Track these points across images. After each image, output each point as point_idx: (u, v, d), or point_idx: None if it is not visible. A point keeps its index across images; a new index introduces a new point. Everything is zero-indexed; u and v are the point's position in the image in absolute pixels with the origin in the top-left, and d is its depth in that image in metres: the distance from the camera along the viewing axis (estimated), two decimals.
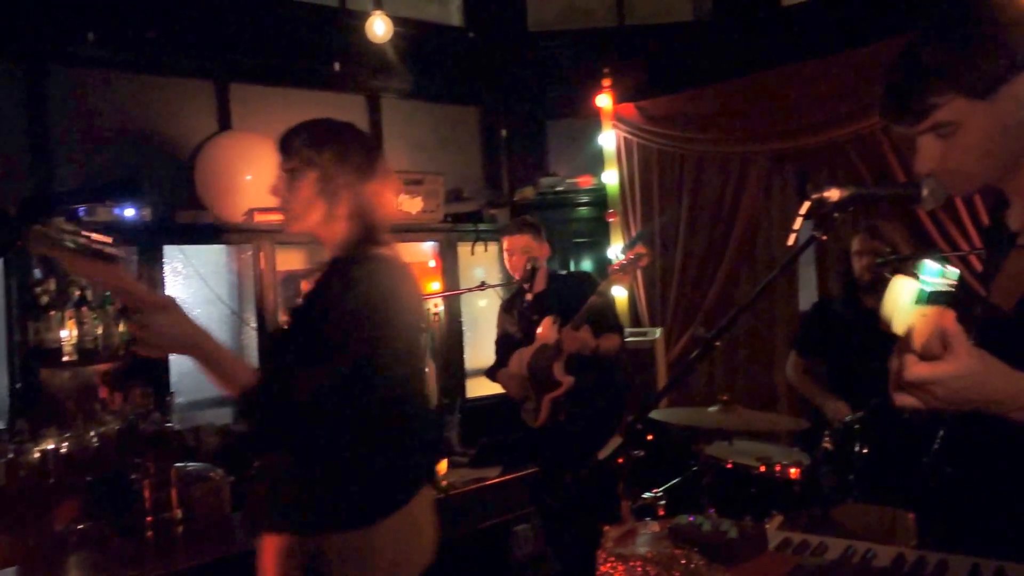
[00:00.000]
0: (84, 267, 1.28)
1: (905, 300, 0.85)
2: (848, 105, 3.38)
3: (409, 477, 1.56)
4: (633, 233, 4.15)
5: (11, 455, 2.23)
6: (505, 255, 3.05)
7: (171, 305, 1.34)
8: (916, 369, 0.89)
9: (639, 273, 4.08)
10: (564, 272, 3.21)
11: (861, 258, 2.75)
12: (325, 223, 1.56)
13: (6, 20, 3.14)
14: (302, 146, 1.55)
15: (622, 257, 2.90)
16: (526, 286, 2.92)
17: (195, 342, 1.35)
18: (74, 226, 1.23)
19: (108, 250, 1.24)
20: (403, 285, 1.53)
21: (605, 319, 2.94)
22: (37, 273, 2.82)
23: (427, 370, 1.80)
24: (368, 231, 1.54)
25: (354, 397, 1.45)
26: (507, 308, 3.12)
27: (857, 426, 2.46)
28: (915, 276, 0.85)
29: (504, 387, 3.13)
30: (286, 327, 1.62)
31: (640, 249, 2.86)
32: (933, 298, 0.86)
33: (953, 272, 0.86)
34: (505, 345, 3.14)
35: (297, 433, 1.44)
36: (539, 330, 2.95)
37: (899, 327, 0.87)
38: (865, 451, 2.41)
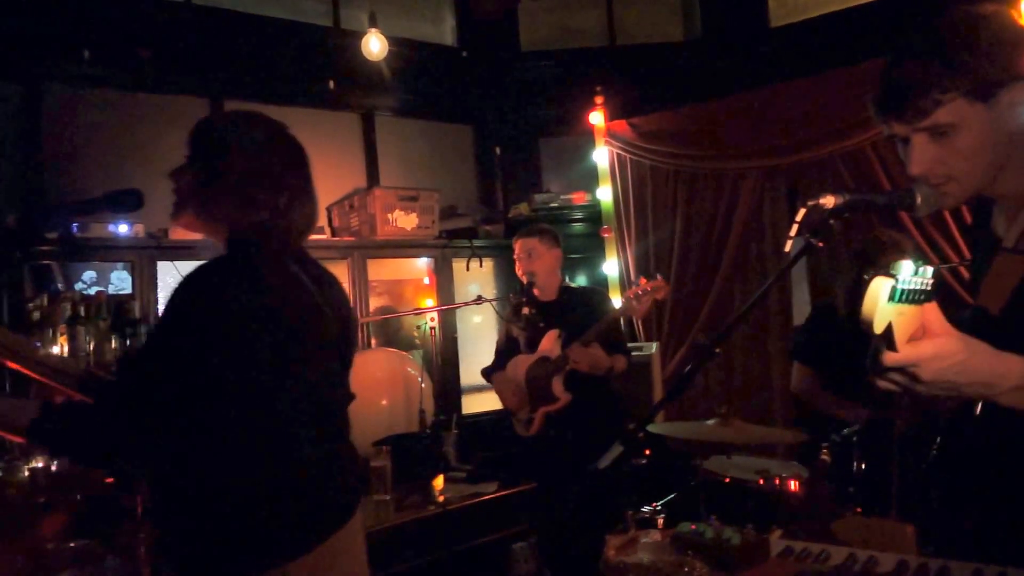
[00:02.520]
0: None
1: (883, 300, 0.86)
2: (836, 122, 3.44)
3: (318, 514, 1.37)
4: (629, 249, 4.17)
5: (0, 473, 2.19)
6: (515, 259, 3.05)
7: None
8: (897, 353, 0.89)
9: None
10: (577, 285, 3.18)
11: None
12: (204, 219, 1.43)
13: (2, 39, 3.15)
14: (204, 132, 1.45)
15: (638, 285, 2.84)
16: (523, 299, 2.92)
17: None
18: None
19: None
20: (293, 295, 1.36)
21: (613, 340, 2.90)
22: (29, 289, 2.80)
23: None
24: (245, 240, 1.38)
25: (200, 419, 1.27)
26: (515, 311, 3.08)
27: (855, 438, 2.46)
28: (891, 276, 0.86)
29: (497, 390, 3.10)
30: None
31: (658, 282, 2.82)
32: (908, 296, 0.87)
33: (927, 270, 0.87)
34: (507, 351, 3.11)
35: (118, 460, 1.33)
36: (543, 340, 2.94)
37: (878, 327, 0.88)
38: (863, 464, 2.40)
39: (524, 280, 2.98)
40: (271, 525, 1.31)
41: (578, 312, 2.92)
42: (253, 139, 1.42)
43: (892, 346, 0.88)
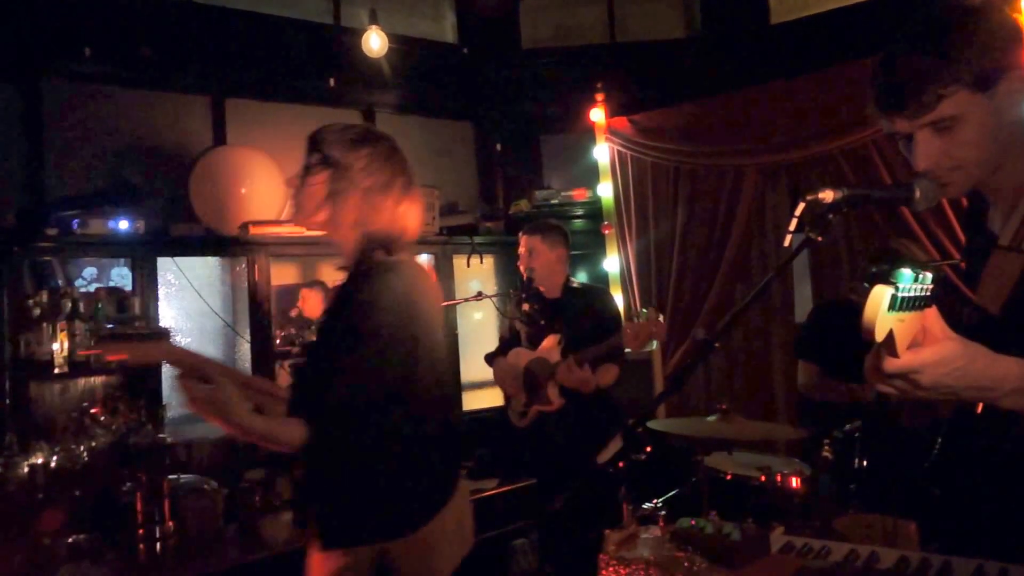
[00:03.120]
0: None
1: (883, 308, 0.86)
2: (837, 119, 3.42)
3: (452, 472, 1.62)
4: (630, 246, 4.16)
5: (0, 469, 2.19)
6: (518, 254, 3.05)
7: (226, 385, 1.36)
8: (898, 360, 0.89)
9: (638, 293, 4.09)
10: (581, 284, 3.16)
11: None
12: (331, 227, 1.58)
13: (2, 36, 3.15)
14: (324, 145, 1.57)
15: (638, 320, 2.70)
16: (523, 295, 2.91)
17: (239, 421, 1.36)
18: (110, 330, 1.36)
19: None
20: (424, 290, 1.56)
21: (609, 352, 2.85)
22: (29, 285, 2.80)
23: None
24: (375, 244, 1.55)
25: (398, 407, 1.48)
26: (517, 306, 3.06)
27: (857, 435, 2.45)
28: (891, 284, 0.86)
29: (496, 376, 3.11)
30: (314, 345, 1.63)
31: (657, 319, 2.69)
32: (908, 303, 0.86)
33: (927, 277, 0.87)
34: (511, 342, 3.11)
35: (350, 455, 1.48)
36: (544, 341, 2.93)
37: (880, 335, 0.87)
38: (865, 461, 2.40)
39: (525, 276, 2.98)
40: (413, 493, 1.51)
41: (579, 312, 2.92)
42: (379, 152, 1.58)
43: (893, 353, 0.88)
